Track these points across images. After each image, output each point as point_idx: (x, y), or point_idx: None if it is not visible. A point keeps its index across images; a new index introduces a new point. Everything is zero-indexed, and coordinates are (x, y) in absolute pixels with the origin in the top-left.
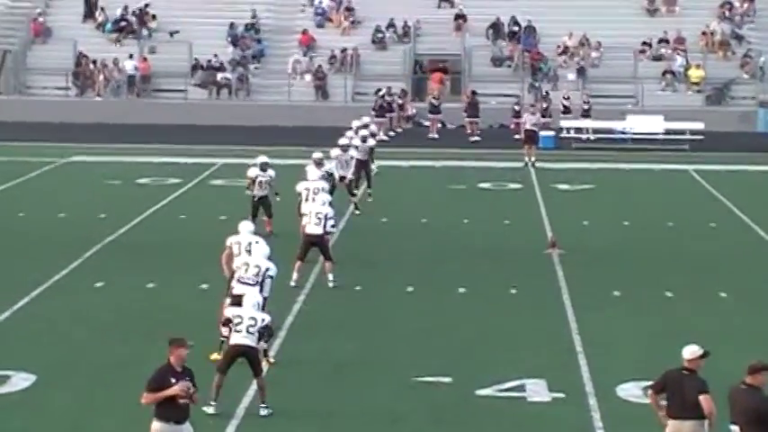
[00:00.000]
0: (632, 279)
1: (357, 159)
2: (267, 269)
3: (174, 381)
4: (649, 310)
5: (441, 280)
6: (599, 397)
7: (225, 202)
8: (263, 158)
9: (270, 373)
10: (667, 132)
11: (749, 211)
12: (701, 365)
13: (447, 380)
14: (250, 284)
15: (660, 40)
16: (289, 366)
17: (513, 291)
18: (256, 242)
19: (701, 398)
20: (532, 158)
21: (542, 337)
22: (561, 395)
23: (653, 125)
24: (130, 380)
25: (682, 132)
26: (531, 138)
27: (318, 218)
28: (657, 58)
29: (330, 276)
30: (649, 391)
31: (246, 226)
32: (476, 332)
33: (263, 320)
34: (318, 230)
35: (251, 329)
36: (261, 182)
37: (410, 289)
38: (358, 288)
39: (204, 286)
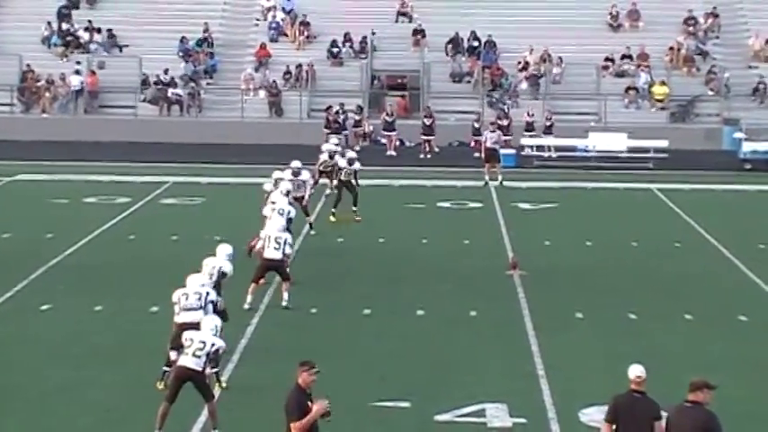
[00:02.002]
0: (595, 300)
1: (339, 180)
2: (207, 293)
3: (309, 404)
4: (613, 332)
5: (399, 302)
6: (561, 421)
7: (176, 221)
8: (296, 163)
9: (222, 397)
10: (631, 150)
11: (714, 230)
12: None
13: (405, 404)
14: (194, 309)
15: (623, 56)
16: (242, 391)
17: (473, 313)
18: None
19: (656, 425)
20: (498, 177)
21: (503, 361)
22: (522, 420)
23: (616, 143)
24: (76, 404)
25: (645, 150)
26: (492, 156)
27: (278, 242)
28: (621, 75)
29: (285, 296)
30: (603, 425)
31: (224, 249)
32: (435, 356)
33: (213, 345)
34: (278, 255)
35: (198, 353)
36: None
37: (367, 311)
38: (314, 310)
39: (154, 308)
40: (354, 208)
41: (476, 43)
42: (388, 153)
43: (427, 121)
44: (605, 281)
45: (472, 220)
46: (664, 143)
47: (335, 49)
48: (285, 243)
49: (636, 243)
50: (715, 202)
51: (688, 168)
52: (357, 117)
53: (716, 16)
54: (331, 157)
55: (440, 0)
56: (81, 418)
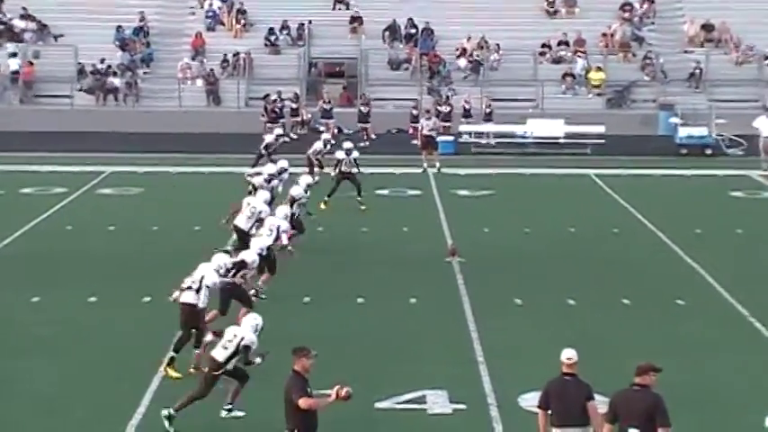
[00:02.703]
0: (534, 286)
1: (340, 171)
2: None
3: (309, 390)
4: (552, 318)
5: (338, 290)
6: (501, 408)
7: (113, 211)
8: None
9: (162, 388)
10: (568, 136)
11: (651, 215)
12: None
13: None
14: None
15: (560, 42)
16: (184, 381)
17: (413, 300)
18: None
19: (589, 405)
20: (436, 164)
21: (443, 348)
22: (462, 406)
23: (554, 129)
24: (14, 395)
25: (583, 136)
26: (429, 143)
27: (270, 230)
28: (558, 61)
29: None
30: (539, 412)
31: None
32: (374, 343)
33: (243, 339)
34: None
35: (227, 345)
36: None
37: (307, 299)
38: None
39: (92, 299)
40: (359, 197)
41: (413, 30)
42: None
43: (364, 109)
44: (544, 267)
45: (411, 207)
46: (601, 129)
47: (273, 37)
48: (278, 230)
49: (573, 229)
50: (652, 187)
51: (625, 154)
52: (294, 105)
53: (651, 2)
54: (325, 145)
55: None
56: (19, 408)
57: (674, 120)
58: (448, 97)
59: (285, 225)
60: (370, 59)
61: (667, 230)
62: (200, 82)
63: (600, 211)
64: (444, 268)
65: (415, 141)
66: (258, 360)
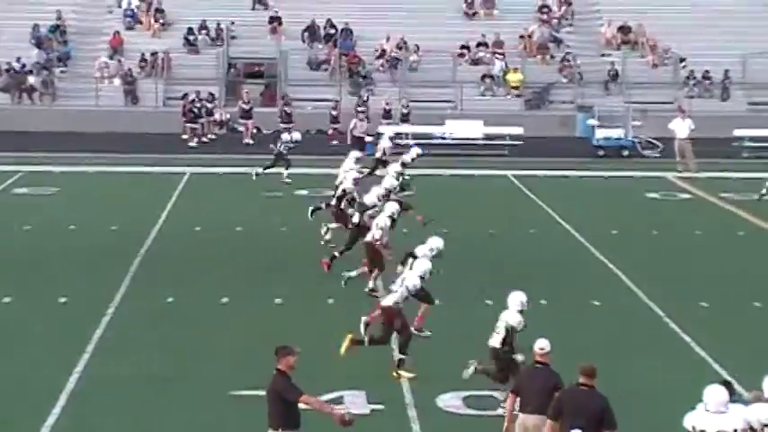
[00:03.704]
0: (452, 288)
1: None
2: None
3: None
4: (471, 320)
5: (257, 290)
6: (419, 408)
7: (29, 211)
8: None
9: (81, 388)
10: (487, 137)
11: (568, 216)
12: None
13: (263, 393)
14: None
15: (479, 44)
16: (100, 381)
17: (331, 300)
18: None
19: (556, 394)
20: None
21: (361, 348)
22: (380, 407)
23: (472, 130)
24: None
25: (501, 137)
26: (360, 144)
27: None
28: (476, 62)
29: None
30: (509, 395)
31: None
32: (293, 343)
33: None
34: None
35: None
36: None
37: (225, 300)
38: (170, 300)
39: (7, 300)
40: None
41: (332, 31)
42: (245, 141)
43: (288, 110)
44: (462, 268)
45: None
46: (519, 130)
47: (191, 37)
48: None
49: (493, 231)
50: (569, 189)
51: (542, 155)
52: (210, 105)
53: (569, 4)
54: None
55: None
56: None
57: (592, 121)
58: (367, 98)
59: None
60: (289, 60)
61: (584, 231)
62: (117, 81)
63: (517, 212)
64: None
65: (335, 142)
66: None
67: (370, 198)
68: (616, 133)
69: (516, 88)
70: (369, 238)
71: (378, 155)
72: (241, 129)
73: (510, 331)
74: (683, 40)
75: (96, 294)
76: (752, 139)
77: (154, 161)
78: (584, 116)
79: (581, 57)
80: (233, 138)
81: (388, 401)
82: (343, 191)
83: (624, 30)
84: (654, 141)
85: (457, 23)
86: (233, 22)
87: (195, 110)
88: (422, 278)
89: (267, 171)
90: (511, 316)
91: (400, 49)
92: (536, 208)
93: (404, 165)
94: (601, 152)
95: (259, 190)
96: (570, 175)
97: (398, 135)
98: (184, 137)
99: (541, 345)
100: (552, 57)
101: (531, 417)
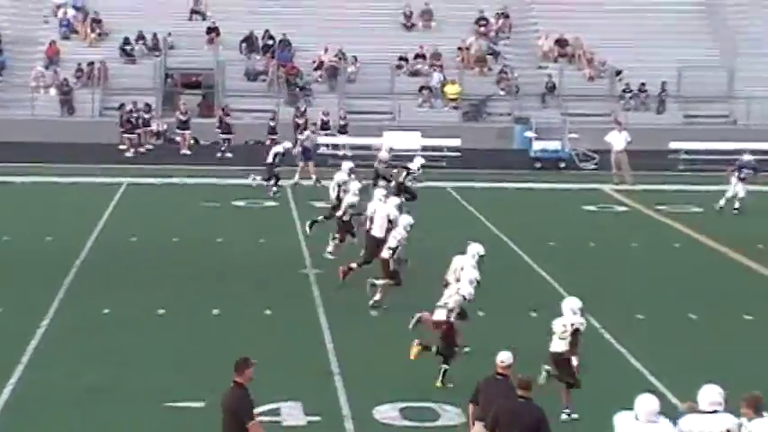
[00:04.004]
0: (390, 298)
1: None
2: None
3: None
4: (407, 331)
5: (194, 301)
6: (355, 419)
7: None
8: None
9: (16, 400)
10: (425, 149)
11: (506, 228)
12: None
13: (199, 405)
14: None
15: (417, 56)
16: (35, 392)
17: (268, 312)
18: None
19: None
20: (313, 176)
21: (298, 359)
22: (317, 418)
23: (410, 142)
24: None
25: (439, 149)
26: (307, 154)
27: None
28: (414, 74)
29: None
30: (470, 406)
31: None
32: (230, 355)
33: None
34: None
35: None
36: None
37: (161, 311)
38: (106, 311)
39: None
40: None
41: (270, 42)
42: (183, 152)
43: (227, 120)
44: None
45: (268, 218)
46: (457, 142)
47: (128, 47)
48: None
49: (430, 244)
50: (507, 201)
51: (481, 167)
52: (147, 116)
53: (506, 17)
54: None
55: None
56: None
57: (529, 133)
58: (305, 110)
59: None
60: (226, 70)
61: (522, 243)
62: (53, 91)
63: (456, 224)
64: (301, 280)
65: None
66: None
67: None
68: (553, 145)
69: (454, 100)
70: (385, 254)
71: (376, 165)
72: (178, 139)
73: (576, 333)
74: (620, 53)
75: (31, 305)
76: (687, 151)
77: (90, 171)
78: (522, 128)
79: (518, 69)
80: (170, 148)
81: (325, 413)
82: (350, 205)
83: (561, 43)
84: (590, 154)
85: (395, 35)
86: (170, 33)
87: (132, 120)
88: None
89: (269, 183)
90: (573, 318)
91: (339, 60)
92: (474, 219)
93: (408, 173)
94: (538, 164)
95: (197, 200)
96: (508, 186)
97: (335, 146)
98: (121, 147)
99: (503, 357)
100: (490, 69)
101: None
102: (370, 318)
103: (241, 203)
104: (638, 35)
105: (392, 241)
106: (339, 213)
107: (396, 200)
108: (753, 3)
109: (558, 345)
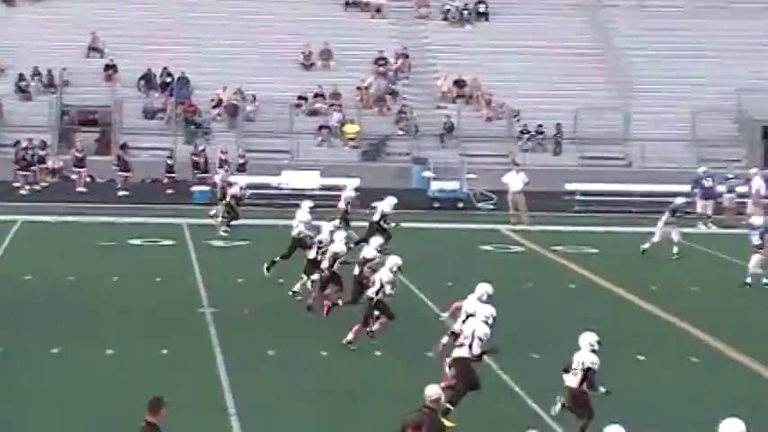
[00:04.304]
0: (287, 337)
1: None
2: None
3: None
4: (303, 369)
5: (88, 341)
6: None
7: None
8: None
9: None
10: (323, 188)
11: (404, 268)
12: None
13: None
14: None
15: (316, 95)
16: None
17: (165, 351)
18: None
19: None
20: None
21: (194, 399)
22: None
23: (309, 180)
24: None
25: (338, 188)
26: (222, 193)
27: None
28: (313, 113)
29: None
30: None
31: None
32: (123, 396)
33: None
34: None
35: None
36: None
37: (56, 350)
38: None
39: None
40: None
41: (169, 79)
42: (78, 189)
43: (126, 158)
44: (297, 318)
45: (164, 257)
46: (356, 182)
47: (23, 83)
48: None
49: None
50: (405, 240)
51: None
52: (42, 153)
53: (406, 57)
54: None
55: (132, 36)
56: None
57: (427, 173)
58: (204, 148)
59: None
60: (124, 108)
61: (420, 283)
62: None
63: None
64: (197, 319)
65: (170, 191)
66: None
67: (369, 251)
68: (451, 185)
69: (353, 139)
70: (371, 293)
71: (341, 206)
72: (74, 177)
73: (588, 372)
74: (517, 95)
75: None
76: (583, 192)
77: None
78: (420, 168)
79: (417, 109)
80: (66, 186)
81: None
82: (335, 254)
83: (459, 83)
84: (488, 194)
85: (294, 74)
86: (65, 68)
87: (27, 157)
88: (488, 324)
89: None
90: (586, 356)
91: (238, 98)
92: None
93: (383, 216)
94: (436, 204)
95: (93, 239)
96: (406, 226)
97: (231, 185)
98: (16, 184)
99: (430, 392)
100: (389, 109)
101: None
102: (266, 356)
103: (137, 242)
104: (535, 77)
105: (377, 284)
106: (325, 265)
107: (342, 234)
108: (648, 46)
109: (572, 380)
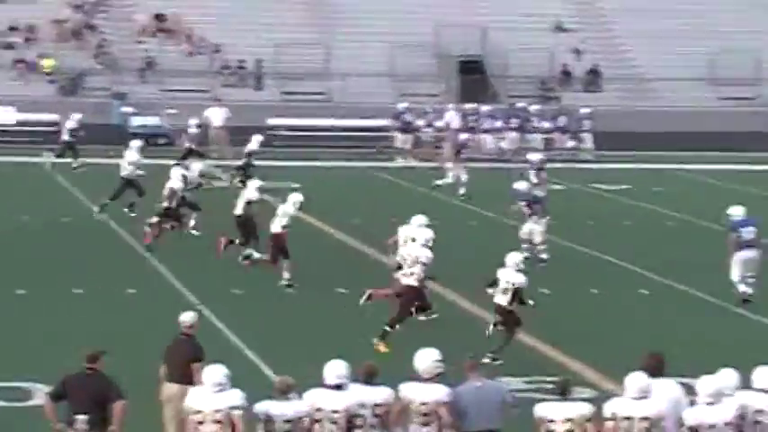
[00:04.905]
0: (35, 277)
1: None
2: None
3: None
4: (54, 311)
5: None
6: None
7: None
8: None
9: None
10: (20, 124)
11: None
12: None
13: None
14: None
15: (11, 28)
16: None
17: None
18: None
19: (193, 366)
20: None
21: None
22: None
23: (5, 116)
24: None
25: (35, 124)
26: None
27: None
28: (9, 47)
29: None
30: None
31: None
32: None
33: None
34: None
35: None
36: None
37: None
38: None
39: None
40: None
41: None
42: None
43: None
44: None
45: None
46: (53, 116)
47: None
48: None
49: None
50: (106, 176)
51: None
52: None
53: None
54: None
55: None
56: None
57: (126, 109)
58: None
59: None
60: None
61: (120, 220)
62: None
63: (52, 201)
64: None
65: None
66: None
67: (251, 193)
68: (152, 120)
69: (50, 74)
70: (275, 228)
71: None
72: None
73: (518, 290)
74: (219, 30)
75: None
76: (285, 127)
77: None
78: (119, 103)
79: (116, 44)
80: None
81: None
82: (171, 189)
83: (160, 17)
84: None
85: None
86: None
87: None
88: (429, 247)
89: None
90: (514, 276)
91: None
92: (70, 197)
93: (249, 154)
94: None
95: None
96: (108, 162)
97: None
98: None
99: (185, 318)
100: (87, 42)
101: (173, 386)
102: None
103: None
104: (236, 11)
105: (282, 218)
106: (237, 212)
107: (257, 182)
108: None
109: (502, 298)
